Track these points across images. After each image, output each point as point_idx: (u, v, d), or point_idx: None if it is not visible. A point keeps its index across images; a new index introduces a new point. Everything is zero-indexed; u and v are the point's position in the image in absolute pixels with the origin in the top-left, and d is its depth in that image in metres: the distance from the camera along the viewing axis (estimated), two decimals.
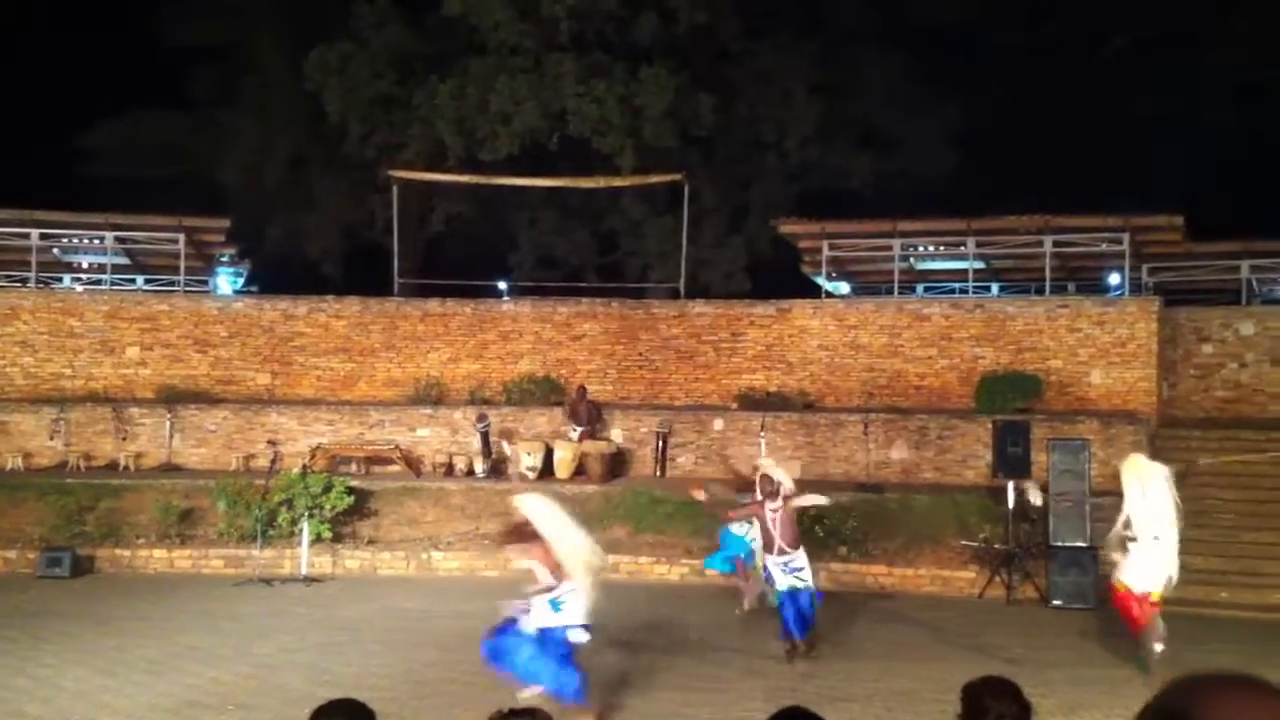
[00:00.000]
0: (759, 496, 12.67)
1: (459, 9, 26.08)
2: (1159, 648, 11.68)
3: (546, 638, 9.93)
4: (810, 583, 12.39)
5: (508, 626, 10.06)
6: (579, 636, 10.10)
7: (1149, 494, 12.15)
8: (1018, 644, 13.28)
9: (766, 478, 12.72)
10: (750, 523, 14.19)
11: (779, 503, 12.39)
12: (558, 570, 10.05)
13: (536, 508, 10.57)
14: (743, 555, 14.45)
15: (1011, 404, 20.21)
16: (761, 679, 11.50)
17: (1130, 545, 12.15)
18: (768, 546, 12.64)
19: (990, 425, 18.31)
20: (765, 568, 12.96)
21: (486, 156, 26.38)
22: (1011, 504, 16.63)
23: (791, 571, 12.27)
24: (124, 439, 21.08)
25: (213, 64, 30.87)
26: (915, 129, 29.75)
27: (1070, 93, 31.42)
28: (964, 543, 17.18)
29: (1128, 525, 12.13)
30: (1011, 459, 16.93)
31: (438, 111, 26.36)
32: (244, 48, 30.49)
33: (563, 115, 26.04)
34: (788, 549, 12.30)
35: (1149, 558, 12.05)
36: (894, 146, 29.52)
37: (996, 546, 16.68)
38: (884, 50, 29.43)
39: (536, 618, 10.01)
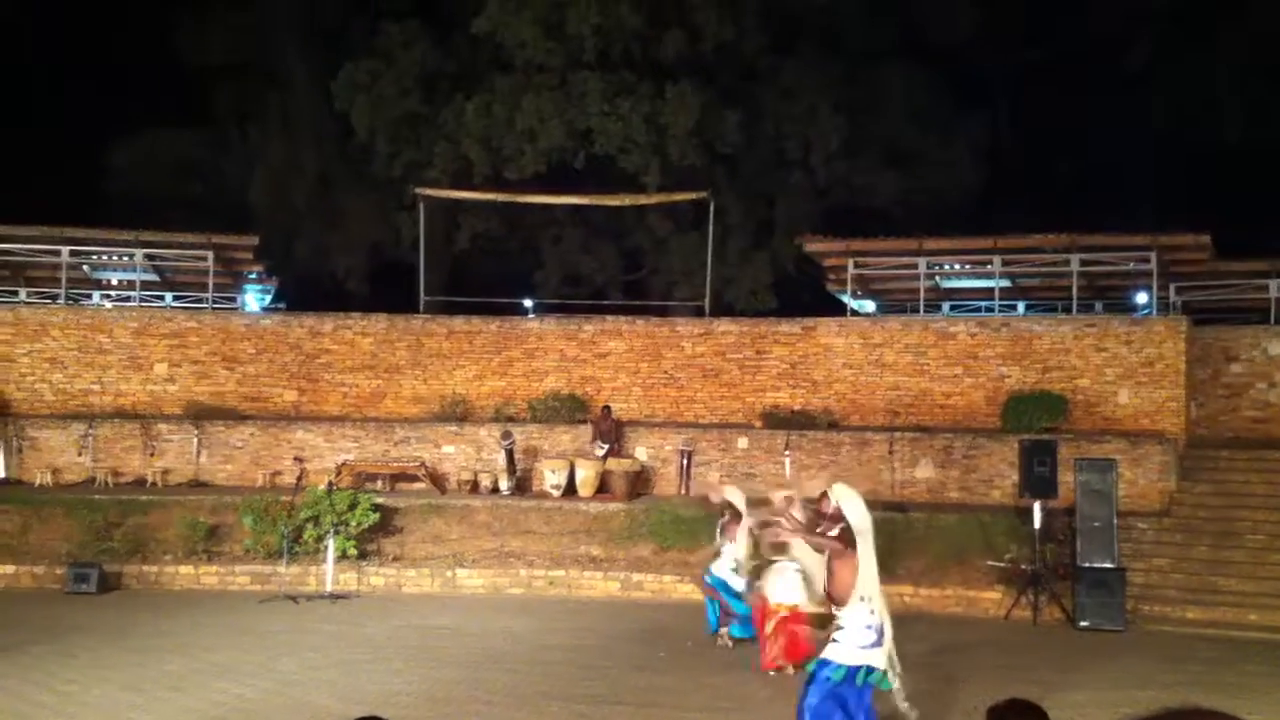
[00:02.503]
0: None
1: (487, 27, 26.25)
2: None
3: (849, 682, 8.24)
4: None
5: (818, 674, 8.35)
6: (887, 683, 8.35)
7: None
8: (1044, 665, 13.20)
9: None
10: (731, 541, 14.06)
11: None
12: (850, 587, 8.33)
13: (856, 501, 8.55)
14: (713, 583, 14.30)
15: (1038, 423, 20.11)
16: (788, 699, 11.43)
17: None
18: None
19: (1017, 445, 18.21)
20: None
21: (512, 174, 26.52)
22: (1038, 524, 16.55)
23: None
24: (152, 455, 21.19)
25: (239, 82, 31.16)
26: (940, 146, 29.75)
27: (1096, 110, 31.33)
28: (990, 563, 17.10)
29: None
30: (1038, 479, 16.84)
31: (464, 129, 26.51)
32: (270, 67, 30.76)
33: (588, 133, 26.15)
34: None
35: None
36: (919, 164, 29.51)
37: (1023, 567, 16.59)
38: (907, 67, 29.44)
39: (847, 651, 8.30)
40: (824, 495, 8.82)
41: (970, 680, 12.14)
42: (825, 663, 8.36)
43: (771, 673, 12.52)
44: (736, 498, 14.39)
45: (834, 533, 8.46)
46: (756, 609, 13.27)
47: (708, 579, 14.43)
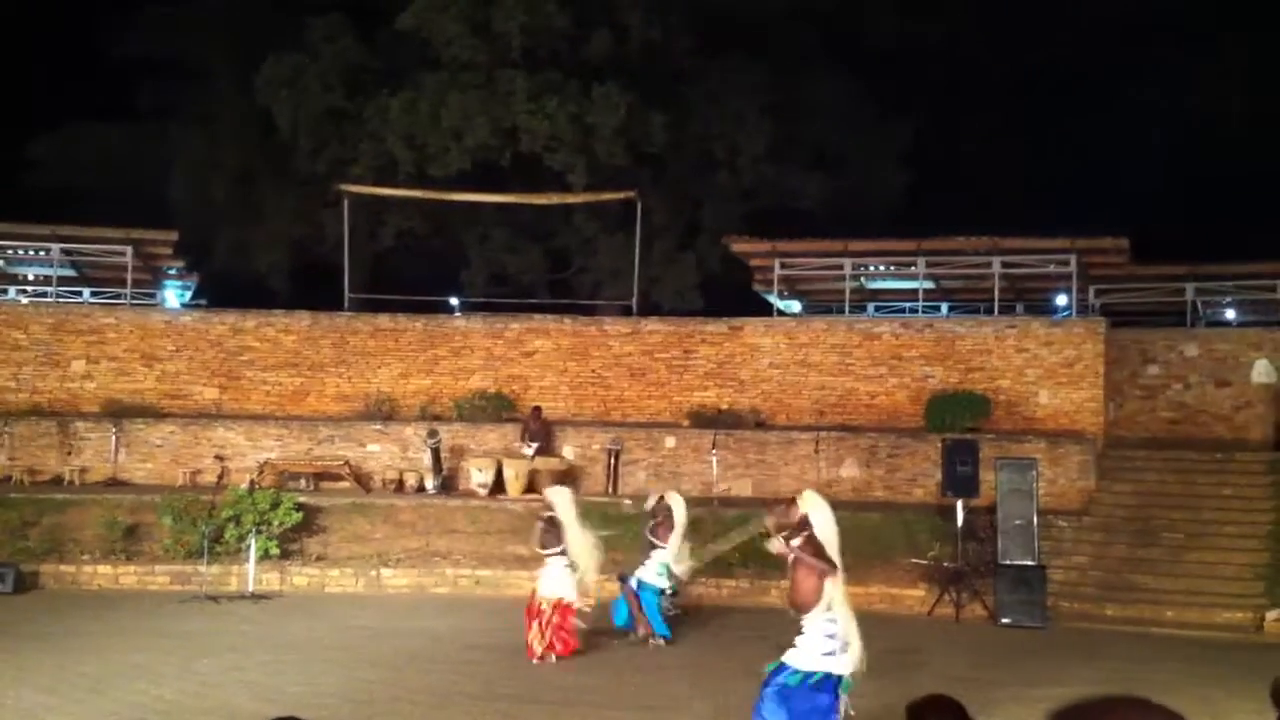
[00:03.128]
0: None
1: (412, 24, 26.02)
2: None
3: (808, 690, 8.20)
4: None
5: (774, 678, 8.33)
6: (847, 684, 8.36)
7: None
8: (965, 662, 13.36)
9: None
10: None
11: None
12: (812, 595, 8.32)
13: (821, 508, 8.52)
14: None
15: (961, 423, 20.37)
16: (712, 698, 11.47)
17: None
18: None
19: (940, 444, 18.43)
20: None
21: (437, 172, 26.28)
22: (961, 522, 16.76)
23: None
24: (69, 453, 20.80)
25: (160, 76, 30.61)
26: (865, 149, 30.03)
27: (1020, 115, 31.83)
28: (914, 561, 17.29)
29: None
30: (960, 478, 17.06)
31: (389, 126, 26.25)
32: (191, 61, 30.26)
33: (514, 132, 26.01)
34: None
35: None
36: (845, 167, 29.75)
37: (946, 565, 16.81)
38: (833, 72, 29.66)
39: (806, 657, 8.29)
40: (791, 503, 8.79)
41: (891, 677, 12.23)
42: (783, 666, 8.33)
43: (534, 661, 12.99)
44: (677, 504, 14.57)
45: (797, 541, 8.37)
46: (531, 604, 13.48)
47: (631, 581, 14.42)
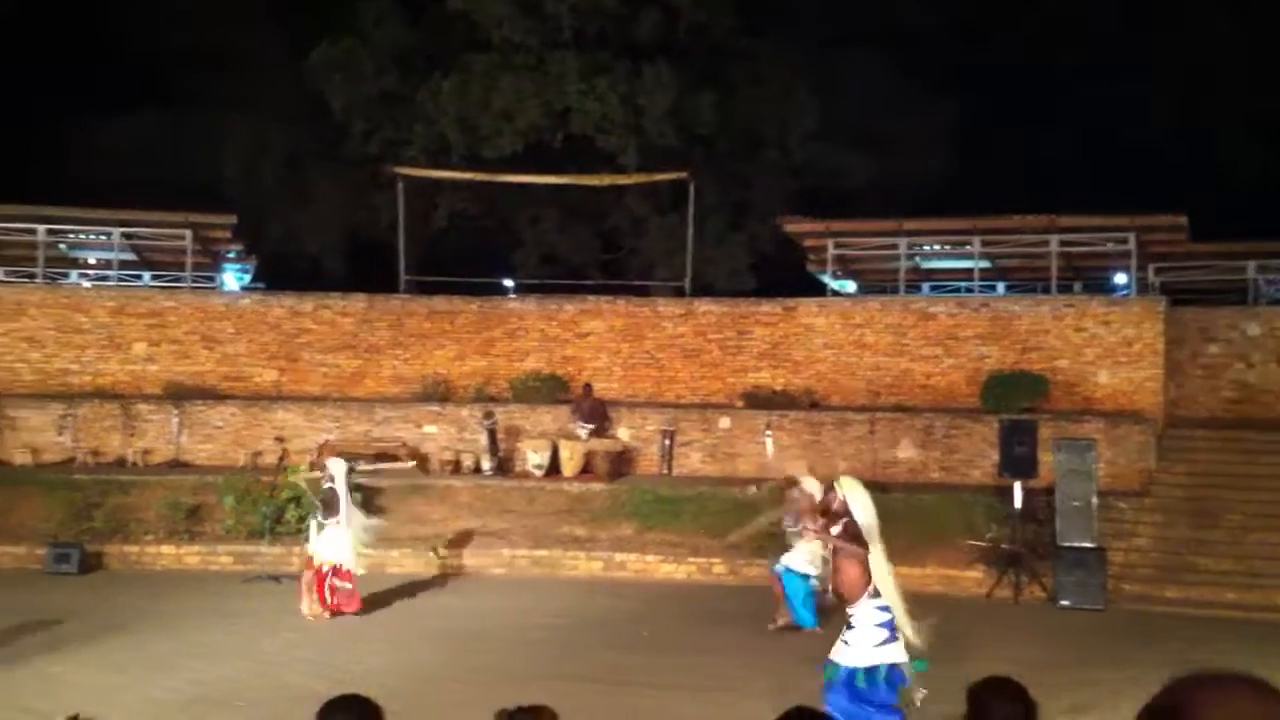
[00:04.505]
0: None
1: (462, 6, 26.11)
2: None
3: (871, 681, 8.02)
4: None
5: (835, 680, 8.14)
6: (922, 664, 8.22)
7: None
8: (1024, 644, 13.28)
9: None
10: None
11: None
12: (858, 584, 8.18)
13: (859, 492, 8.34)
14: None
15: (1018, 403, 20.19)
16: (767, 677, 11.50)
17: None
18: None
19: (997, 425, 18.28)
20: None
21: (490, 154, 26.39)
22: (1019, 503, 16.63)
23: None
24: (132, 435, 21.11)
25: (211, 63, 30.84)
26: (915, 127, 29.82)
27: (1068, 90, 31.42)
28: (971, 542, 17.19)
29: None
30: (1018, 459, 16.92)
31: (441, 108, 26.37)
32: (242, 47, 30.47)
33: (566, 113, 26.07)
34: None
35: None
36: (894, 144, 29.54)
37: (1003, 546, 16.69)
38: (881, 49, 29.50)
39: (861, 652, 8.10)
40: (830, 488, 8.59)
41: (950, 659, 12.19)
42: (836, 667, 8.18)
43: (321, 619, 14.00)
44: (813, 485, 13.71)
45: (837, 529, 8.22)
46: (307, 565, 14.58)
47: (778, 568, 13.94)
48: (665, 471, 20.71)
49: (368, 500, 18.58)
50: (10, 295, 23.42)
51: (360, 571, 14.76)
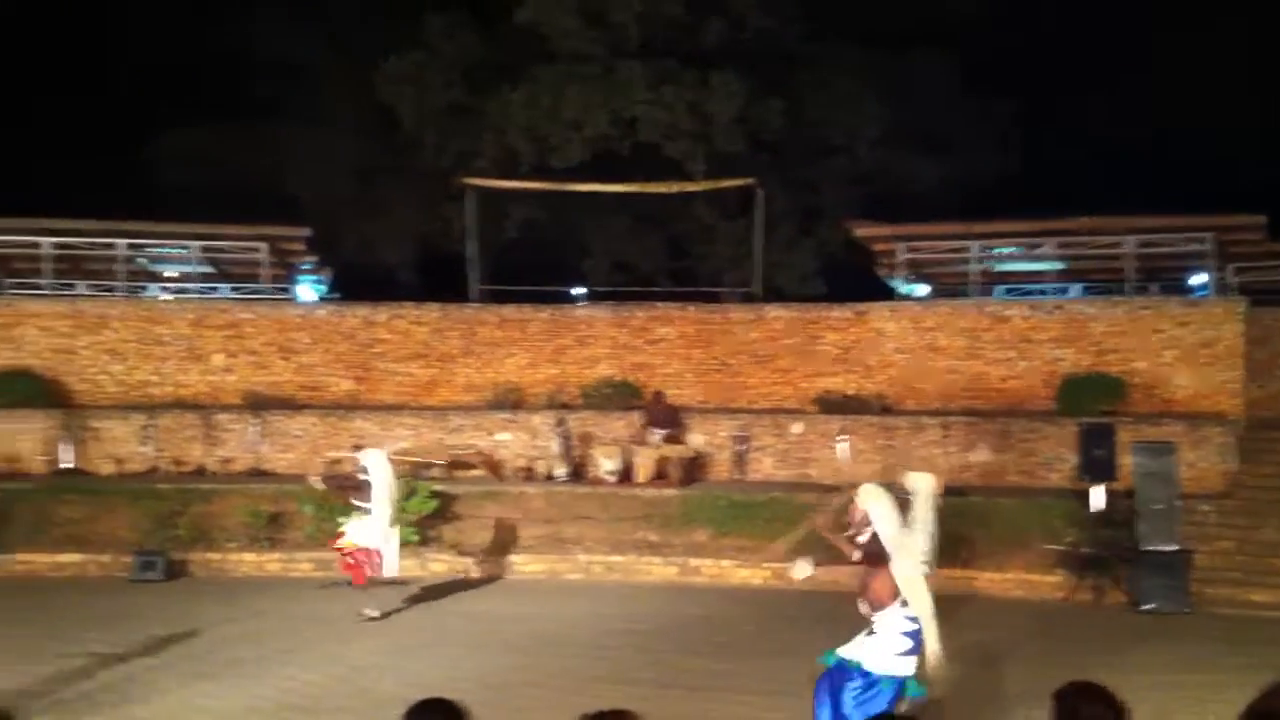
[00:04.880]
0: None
1: (529, 18, 26.32)
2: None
3: (875, 690, 7.90)
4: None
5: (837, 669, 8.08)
6: (918, 699, 8.10)
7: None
8: (1107, 649, 13.12)
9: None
10: None
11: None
12: (886, 595, 8.07)
13: (884, 505, 8.20)
14: None
15: (1095, 406, 19.95)
16: None
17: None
18: None
19: (1074, 428, 18.08)
20: None
21: (558, 163, 26.58)
22: (1098, 507, 16.43)
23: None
24: (212, 444, 21.46)
25: (281, 76, 31.30)
26: (987, 130, 29.55)
27: (1140, 90, 30.97)
28: (1050, 546, 17.00)
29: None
30: (1097, 462, 16.73)
31: (510, 119, 26.59)
32: (312, 60, 30.88)
33: (633, 122, 26.18)
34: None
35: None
36: (959, 149, 29.30)
37: (1083, 550, 16.49)
38: (948, 51, 29.26)
39: (879, 658, 7.98)
40: (851, 500, 8.38)
41: (1032, 664, 12.11)
42: (835, 656, 8.12)
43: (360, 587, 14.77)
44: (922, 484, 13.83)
45: (861, 539, 8.10)
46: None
47: None
48: (738, 477, 20.70)
49: (444, 506, 18.80)
50: (93, 308, 23.91)
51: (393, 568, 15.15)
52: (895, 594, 7.99)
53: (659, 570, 17.91)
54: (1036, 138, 29.93)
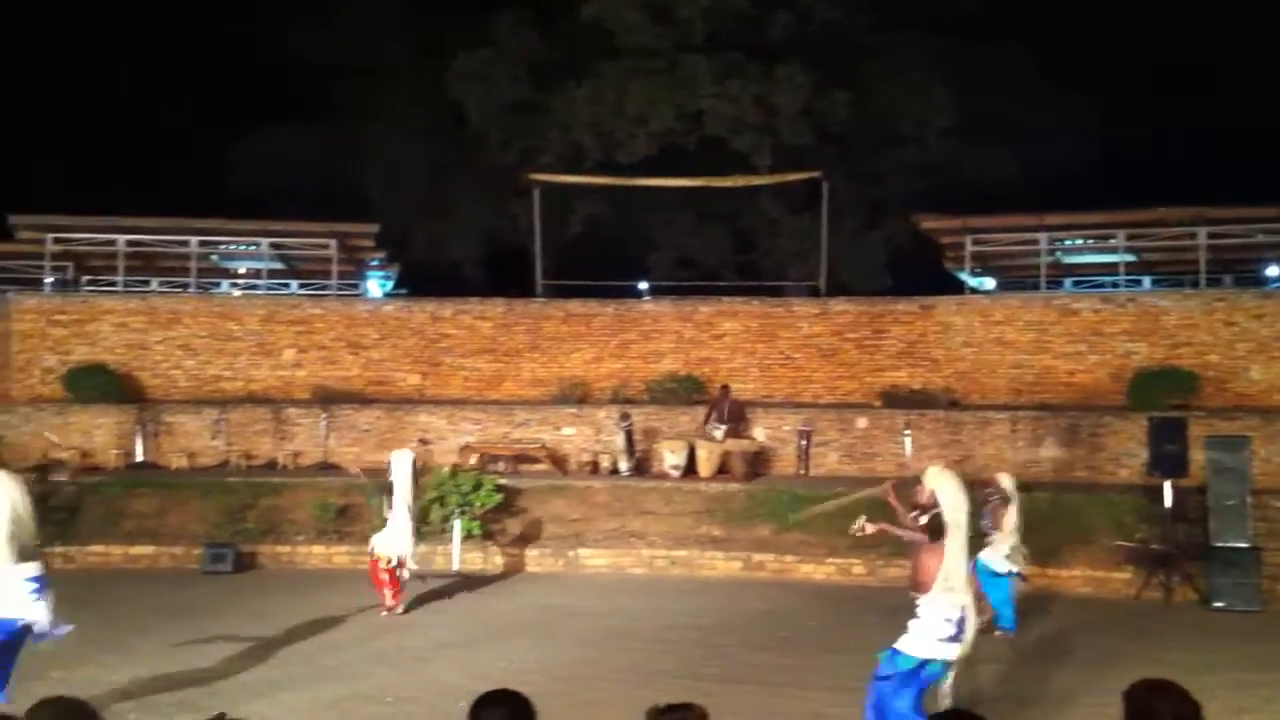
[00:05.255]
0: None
1: (595, 13, 26.37)
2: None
3: (917, 673, 7.96)
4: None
5: (888, 663, 8.14)
6: (943, 679, 8.10)
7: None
8: (1176, 647, 12.94)
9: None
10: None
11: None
12: (934, 576, 8.10)
13: (951, 488, 8.20)
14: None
15: (1166, 400, 19.67)
16: None
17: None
18: None
19: (1144, 422, 17.81)
20: None
21: (623, 159, 26.65)
22: (1169, 503, 16.20)
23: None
24: (282, 439, 21.78)
25: (351, 77, 31.62)
26: (1055, 119, 29.20)
27: (1211, 80, 30.42)
28: (1119, 543, 16.78)
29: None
30: (1168, 457, 16.45)
31: (575, 115, 26.70)
32: (381, 61, 31.17)
33: (698, 116, 26.17)
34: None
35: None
36: (1029, 139, 28.96)
37: (1153, 547, 16.25)
38: (1019, 40, 28.95)
39: (921, 642, 8.07)
40: (919, 481, 8.46)
41: (1102, 661, 11.98)
42: (896, 653, 8.10)
43: (395, 611, 14.42)
44: (1006, 481, 13.67)
45: (924, 520, 8.14)
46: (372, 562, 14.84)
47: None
48: (802, 472, 20.65)
49: (508, 500, 18.92)
50: (166, 305, 24.34)
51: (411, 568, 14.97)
52: (940, 577, 8.02)
53: (722, 565, 17.90)
54: (1110, 127, 29.51)
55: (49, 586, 9.17)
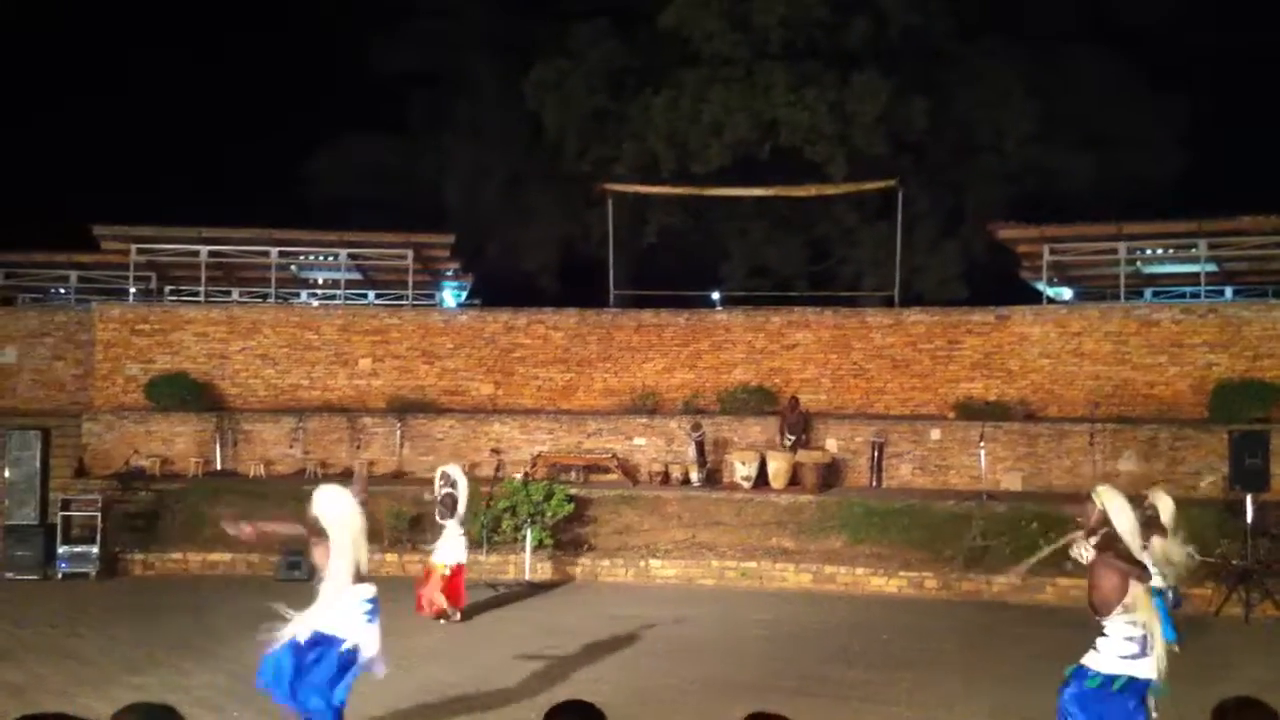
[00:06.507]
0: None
1: (673, 22, 26.39)
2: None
3: (1112, 695, 7.83)
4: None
5: (1073, 682, 8.00)
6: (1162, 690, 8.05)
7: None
8: (1258, 664, 12.68)
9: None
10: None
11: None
12: (1112, 598, 7.89)
13: (1119, 502, 8.01)
14: None
15: (1248, 413, 19.30)
16: (987, 696, 11.28)
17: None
18: None
19: (1226, 436, 17.48)
20: None
21: (698, 168, 26.61)
22: (1250, 518, 15.86)
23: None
24: (358, 447, 22.04)
25: (429, 88, 31.97)
26: (1135, 128, 28.73)
27: None
28: (1200, 558, 16.44)
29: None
30: (1249, 471, 16.12)
31: (651, 125, 26.72)
32: (458, 72, 31.48)
33: (774, 125, 26.07)
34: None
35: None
36: (1114, 146, 28.53)
37: (1234, 562, 15.93)
38: (1100, 49, 28.51)
39: (1106, 659, 7.91)
40: (1088, 499, 8.24)
41: (1184, 678, 11.74)
42: (1083, 670, 8.00)
43: (442, 620, 14.59)
44: (1163, 501, 13.45)
45: (1094, 540, 7.91)
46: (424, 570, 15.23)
47: None
48: (875, 484, 20.51)
49: (579, 510, 18.98)
50: (246, 315, 24.73)
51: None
52: (1120, 597, 7.86)
53: (793, 577, 17.81)
54: (1192, 134, 29.01)
55: (380, 613, 8.94)
